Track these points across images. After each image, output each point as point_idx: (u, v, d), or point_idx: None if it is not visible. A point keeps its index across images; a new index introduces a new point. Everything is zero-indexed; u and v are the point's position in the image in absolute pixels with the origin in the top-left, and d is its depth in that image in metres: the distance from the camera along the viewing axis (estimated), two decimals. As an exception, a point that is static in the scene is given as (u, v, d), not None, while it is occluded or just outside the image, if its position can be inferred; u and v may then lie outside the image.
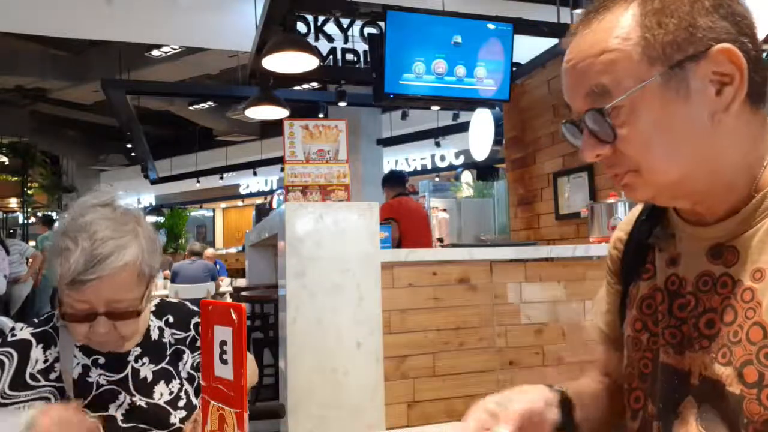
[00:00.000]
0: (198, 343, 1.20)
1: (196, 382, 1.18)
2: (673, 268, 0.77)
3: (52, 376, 1.07)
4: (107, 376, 1.11)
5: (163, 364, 1.16)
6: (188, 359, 1.19)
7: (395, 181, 4.87)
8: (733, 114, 0.66)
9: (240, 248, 13.50)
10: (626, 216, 0.93)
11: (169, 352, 1.18)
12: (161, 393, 1.13)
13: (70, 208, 1.08)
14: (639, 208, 0.90)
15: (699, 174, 0.68)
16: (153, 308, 1.21)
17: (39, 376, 1.07)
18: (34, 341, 1.09)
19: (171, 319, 1.22)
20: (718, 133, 0.67)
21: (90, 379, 1.09)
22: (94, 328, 1.02)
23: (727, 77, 0.65)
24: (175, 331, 1.21)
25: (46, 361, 1.08)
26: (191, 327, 1.22)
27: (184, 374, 1.17)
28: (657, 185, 0.70)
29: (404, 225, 4.24)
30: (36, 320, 1.14)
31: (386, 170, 11.27)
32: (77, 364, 1.09)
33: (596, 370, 0.96)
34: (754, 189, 0.69)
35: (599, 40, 0.68)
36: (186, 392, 1.16)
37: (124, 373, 1.12)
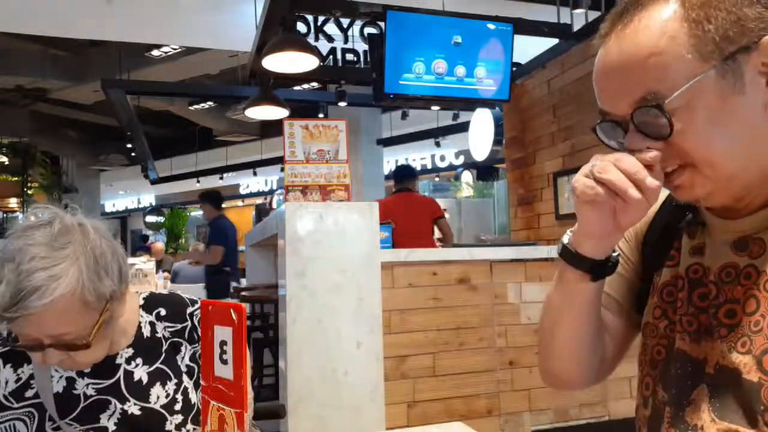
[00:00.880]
0: (196, 334, 1.15)
1: (195, 375, 1.13)
2: (698, 257, 0.77)
3: (29, 393, 1.01)
4: (96, 384, 1.05)
5: (158, 364, 1.10)
6: (186, 351, 1.13)
7: (394, 176, 4.87)
8: None
9: (240, 248, 13.51)
10: None
11: (164, 348, 1.12)
12: (158, 396, 1.07)
13: (9, 230, 0.95)
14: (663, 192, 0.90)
15: (753, 167, 0.68)
16: (141, 302, 1.14)
17: (11, 397, 1.00)
18: (0, 362, 1.01)
19: (163, 312, 1.15)
20: None
21: (76, 392, 1.03)
22: (46, 357, 0.93)
23: None
24: (168, 323, 1.14)
25: (18, 380, 1.01)
26: (187, 317, 1.15)
27: (183, 368, 1.12)
28: (715, 180, 0.68)
29: (395, 224, 4.20)
30: (1, 340, 1.04)
31: (386, 170, 11.28)
32: (60, 377, 1.03)
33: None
34: None
35: (643, 41, 0.66)
36: (184, 391, 1.11)
37: (115, 378, 1.06)
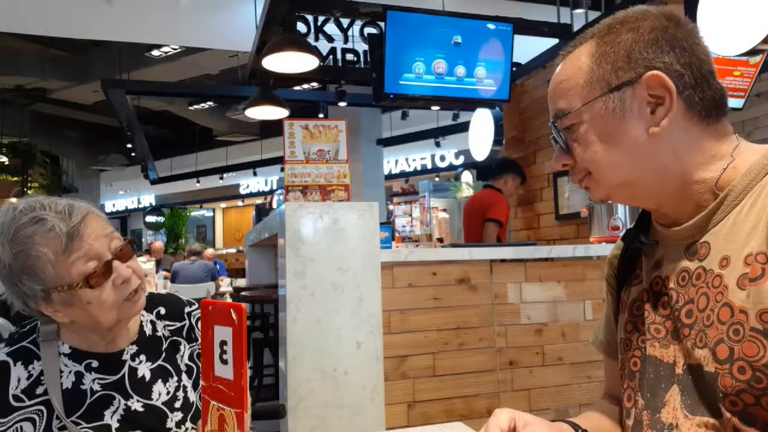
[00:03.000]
0: (194, 333, 1.18)
1: (194, 374, 1.15)
2: (657, 270, 0.85)
3: (39, 390, 1.02)
4: (102, 379, 1.06)
5: (159, 361, 1.13)
6: (185, 350, 1.16)
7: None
8: (667, 128, 0.76)
9: (239, 248, 13.51)
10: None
11: (164, 347, 1.14)
12: (159, 393, 1.09)
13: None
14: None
15: (645, 177, 0.79)
16: (146, 293, 1.16)
17: (23, 395, 1.01)
18: (11, 361, 1.03)
19: (163, 311, 1.18)
20: (655, 144, 0.77)
21: (83, 387, 1.05)
22: (119, 273, 1.01)
23: (660, 99, 0.76)
24: (168, 322, 1.17)
25: (30, 377, 1.02)
26: (185, 316, 1.19)
27: (182, 367, 1.14)
28: (607, 186, 0.82)
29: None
30: (10, 338, 1.08)
31: (386, 170, 11.28)
32: (70, 372, 1.05)
33: (607, 397, 1.01)
34: (716, 187, 0.77)
35: (563, 69, 0.84)
36: (184, 389, 1.13)
37: (120, 374, 1.08)
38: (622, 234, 1.01)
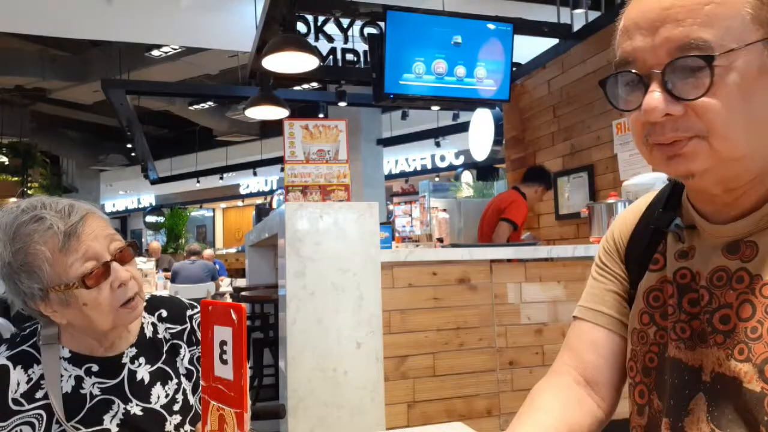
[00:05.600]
0: (195, 336, 1.17)
1: (194, 377, 1.14)
2: (684, 261, 0.75)
3: (39, 394, 1.01)
4: (102, 383, 1.06)
5: (159, 364, 1.12)
6: (185, 354, 1.15)
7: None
8: None
9: (239, 248, 13.51)
10: (627, 209, 0.92)
11: (165, 349, 1.14)
12: (158, 396, 1.09)
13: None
14: (644, 200, 0.88)
15: (758, 157, 0.65)
16: (145, 303, 1.16)
17: (23, 399, 1.01)
18: (11, 364, 1.02)
19: (164, 314, 1.18)
20: None
21: (83, 391, 1.04)
22: (117, 276, 1.01)
23: None
24: (169, 325, 1.17)
25: (29, 380, 1.02)
26: (186, 319, 1.18)
27: (182, 370, 1.14)
28: (721, 157, 0.64)
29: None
30: (11, 340, 1.07)
31: (386, 170, 11.28)
32: (69, 376, 1.05)
33: (575, 375, 0.87)
34: None
35: None
36: (183, 392, 1.12)
37: (120, 378, 1.07)
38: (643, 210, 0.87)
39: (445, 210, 6.18)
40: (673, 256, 0.77)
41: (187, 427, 1.11)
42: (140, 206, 19.47)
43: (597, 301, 0.89)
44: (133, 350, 1.11)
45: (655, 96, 0.63)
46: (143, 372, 1.10)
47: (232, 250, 14.63)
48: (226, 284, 7.54)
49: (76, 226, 0.99)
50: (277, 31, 3.94)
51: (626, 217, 0.89)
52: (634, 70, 0.66)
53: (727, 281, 0.69)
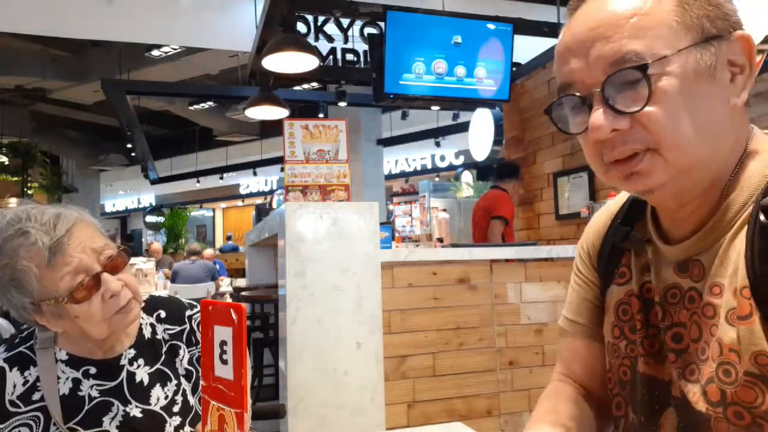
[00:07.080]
0: (194, 337, 1.16)
1: (193, 378, 1.13)
2: (647, 275, 0.75)
3: (36, 396, 1.01)
4: (100, 385, 1.05)
5: (158, 365, 1.11)
6: (185, 354, 1.14)
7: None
8: (740, 106, 0.64)
9: (240, 248, 13.51)
10: (598, 213, 0.89)
11: (164, 350, 1.13)
12: (158, 397, 1.08)
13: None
14: (616, 202, 0.86)
15: (710, 162, 0.64)
16: (142, 304, 1.15)
17: (19, 401, 1.00)
18: (7, 366, 1.02)
19: (163, 314, 1.16)
20: (731, 120, 0.64)
21: (81, 393, 1.04)
22: (108, 287, 0.98)
23: (738, 67, 0.63)
24: (168, 326, 1.15)
25: (26, 383, 1.01)
26: (186, 319, 1.17)
27: (181, 371, 1.13)
28: (676, 167, 0.63)
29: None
30: (9, 342, 1.07)
31: (386, 170, 11.28)
32: (67, 379, 1.04)
33: (571, 382, 0.90)
34: (723, 195, 0.66)
35: (627, 2, 0.62)
36: (183, 393, 1.11)
37: (119, 380, 1.07)
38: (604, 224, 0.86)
39: (445, 210, 6.19)
40: (639, 269, 0.76)
41: (187, 428, 1.10)
42: (140, 206, 19.46)
43: (574, 311, 0.89)
44: (132, 351, 1.10)
45: (599, 114, 0.63)
46: (142, 373, 1.09)
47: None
48: (226, 284, 7.54)
49: (61, 239, 0.96)
50: (277, 31, 3.93)
51: (598, 221, 0.87)
52: (576, 93, 0.66)
53: (680, 299, 0.69)
